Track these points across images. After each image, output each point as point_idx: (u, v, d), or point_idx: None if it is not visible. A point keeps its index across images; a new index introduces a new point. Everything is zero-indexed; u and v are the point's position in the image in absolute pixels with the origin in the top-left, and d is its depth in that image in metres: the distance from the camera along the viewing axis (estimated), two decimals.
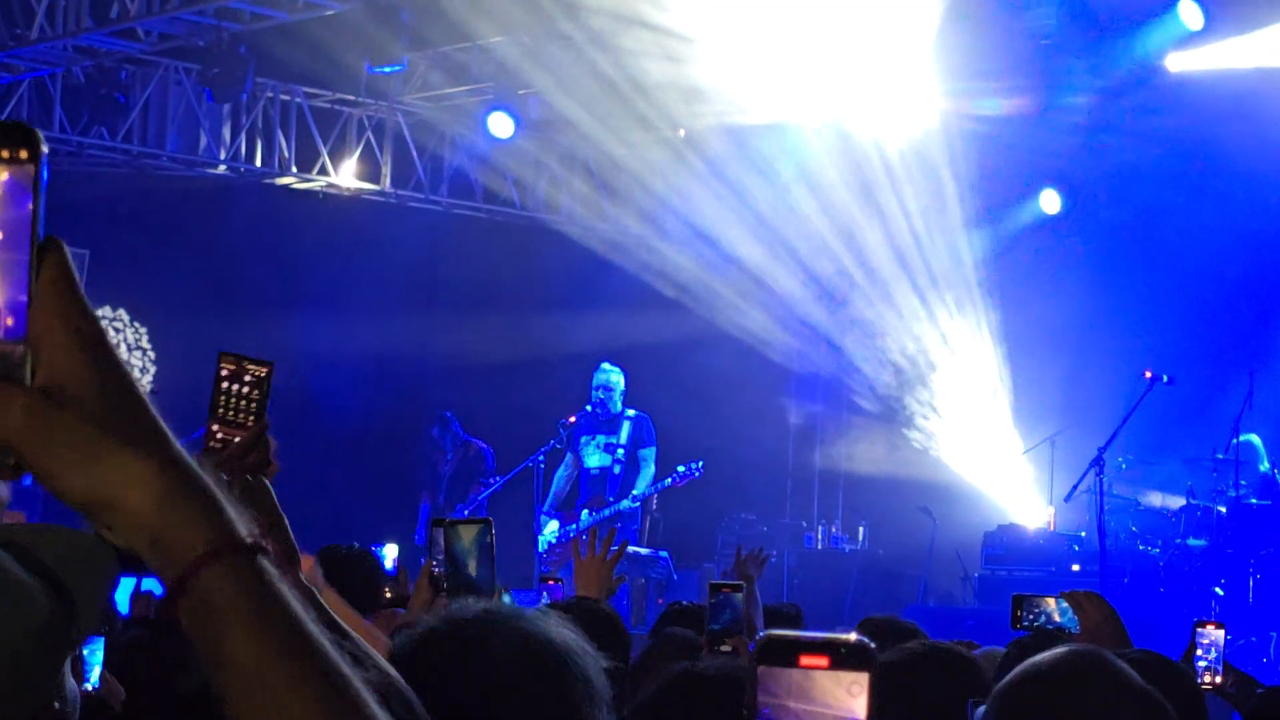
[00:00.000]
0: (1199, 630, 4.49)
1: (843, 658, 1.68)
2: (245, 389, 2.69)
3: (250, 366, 2.70)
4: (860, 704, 1.67)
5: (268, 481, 2.72)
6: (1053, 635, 4.07)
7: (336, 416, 14.43)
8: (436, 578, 3.64)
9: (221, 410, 2.66)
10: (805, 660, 1.67)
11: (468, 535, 3.62)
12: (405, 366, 14.72)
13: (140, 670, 3.95)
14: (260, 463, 2.66)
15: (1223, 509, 12.25)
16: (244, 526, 1.23)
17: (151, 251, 14.26)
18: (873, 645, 1.71)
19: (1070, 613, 4.27)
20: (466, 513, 12.42)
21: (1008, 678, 2.46)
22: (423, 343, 14.62)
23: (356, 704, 1.22)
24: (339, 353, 14.22)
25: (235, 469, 2.59)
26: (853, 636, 1.72)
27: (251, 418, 2.67)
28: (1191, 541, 12.42)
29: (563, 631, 2.32)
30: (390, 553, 6.27)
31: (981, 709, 2.47)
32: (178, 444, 1.21)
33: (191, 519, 1.20)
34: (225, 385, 2.67)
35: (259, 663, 1.19)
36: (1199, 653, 4.47)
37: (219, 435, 2.65)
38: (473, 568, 3.59)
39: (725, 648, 4.61)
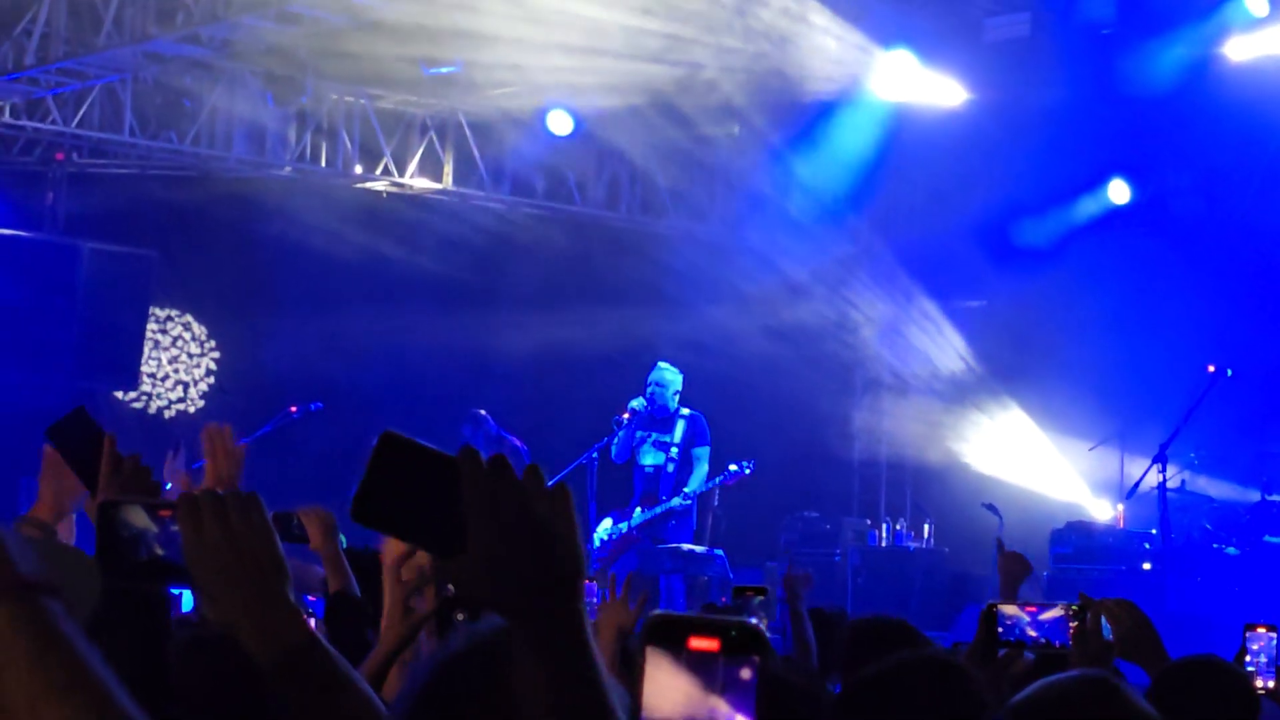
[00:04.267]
0: (1249, 634, 4.35)
1: (733, 641, 1.65)
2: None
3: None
4: (749, 688, 1.64)
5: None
6: (1051, 658, 3.80)
7: (395, 413, 14.49)
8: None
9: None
10: (695, 642, 1.63)
11: None
12: (466, 362, 14.76)
13: None
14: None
15: None
16: (26, 566, 1.24)
17: (219, 252, 14.40)
18: (763, 629, 1.67)
19: (1048, 626, 4.03)
20: None
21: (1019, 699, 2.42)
22: (485, 339, 14.66)
23: None
24: (400, 348, 14.29)
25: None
26: (744, 620, 1.68)
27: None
28: (1269, 538, 12.18)
29: None
30: None
31: None
32: None
33: None
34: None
35: (32, 701, 1.21)
36: (1248, 656, 4.32)
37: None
38: None
39: None
